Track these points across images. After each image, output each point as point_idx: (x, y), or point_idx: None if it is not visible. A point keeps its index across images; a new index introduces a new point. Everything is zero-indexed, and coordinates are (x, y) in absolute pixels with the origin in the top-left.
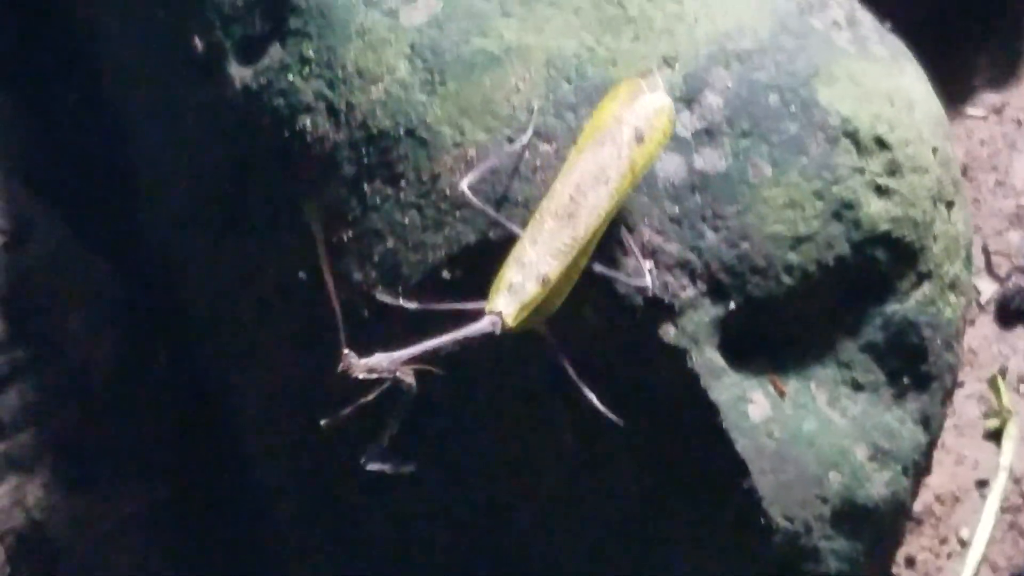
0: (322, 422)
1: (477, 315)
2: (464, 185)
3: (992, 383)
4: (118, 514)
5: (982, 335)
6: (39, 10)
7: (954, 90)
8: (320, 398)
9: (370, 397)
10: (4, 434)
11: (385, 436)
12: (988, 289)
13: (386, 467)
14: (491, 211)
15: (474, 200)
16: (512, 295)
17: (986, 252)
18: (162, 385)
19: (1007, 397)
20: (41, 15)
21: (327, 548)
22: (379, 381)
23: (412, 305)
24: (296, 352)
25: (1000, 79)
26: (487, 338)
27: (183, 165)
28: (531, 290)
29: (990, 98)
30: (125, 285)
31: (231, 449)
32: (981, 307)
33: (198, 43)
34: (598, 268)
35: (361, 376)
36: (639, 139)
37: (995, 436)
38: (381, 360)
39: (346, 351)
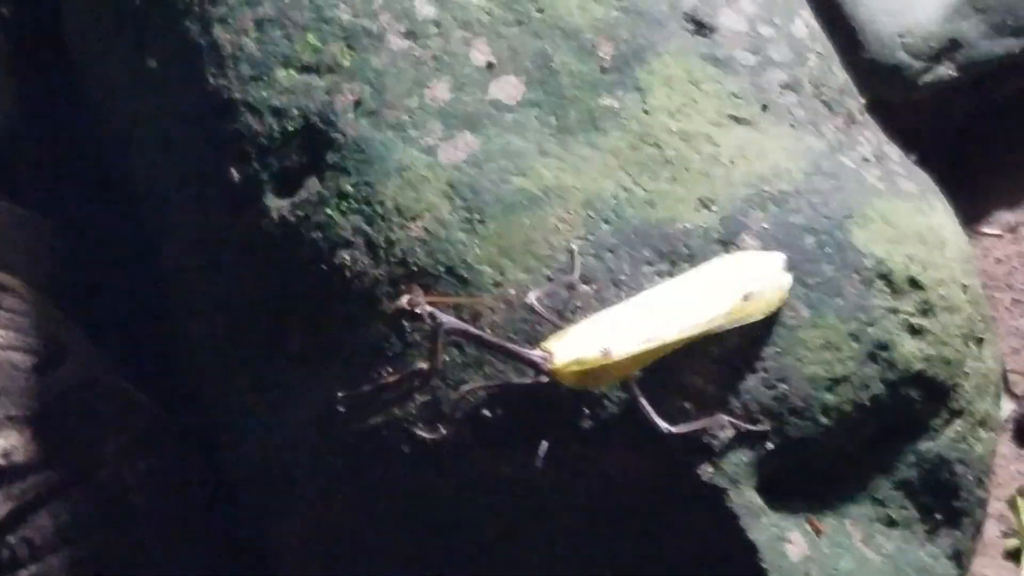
0: (340, 394)
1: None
2: (532, 297)
3: (1011, 503)
4: None
5: (1000, 454)
6: (76, 134)
7: (970, 209)
8: (363, 529)
9: (391, 379)
10: (35, 556)
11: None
12: (1006, 408)
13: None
14: (556, 320)
15: (542, 309)
16: (570, 345)
17: (1004, 371)
18: (198, 509)
19: None
20: (78, 137)
21: None
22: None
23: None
24: (338, 484)
25: (1015, 198)
26: (535, 381)
27: (220, 295)
28: (590, 352)
29: (1005, 217)
30: (156, 409)
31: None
32: (999, 426)
33: (234, 174)
34: (641, 399)
35: (417, 311)
36: (746, 298)
37: (1015, 556)
38: (439, 315)
39: (419, 286)
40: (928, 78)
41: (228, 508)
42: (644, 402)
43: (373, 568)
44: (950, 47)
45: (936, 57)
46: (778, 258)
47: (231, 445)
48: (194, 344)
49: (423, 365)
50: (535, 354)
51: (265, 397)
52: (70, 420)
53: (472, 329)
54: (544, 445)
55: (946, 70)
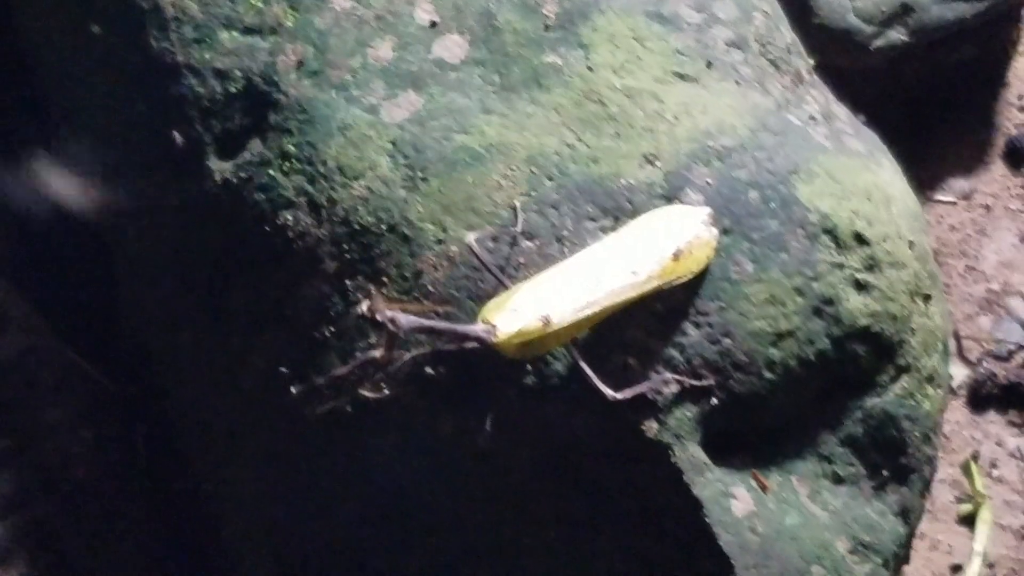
0: (293, 389)
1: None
2: (471, 238)
3: (965, 468)
4: None
5: (954, 420)
6: (20, 102)
7: (924, 176)
8: (305, 491)
9: (343, 371)
10: None
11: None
12: (960, 374)
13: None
14: (495, 269)
15: (480, 251)
16: (511, 316)
17: (957, 337)
18: (142, 476)
19: (980, 482)
20: (22, 105)
21: None
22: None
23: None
24: (282, 446)
25: (969, 166)
26: (480, 347)
27: (163, 260)
28: (532, 321)
29: (959, 184)
30: (100, 378)
31: (212, 540)
32: (953, 392)
33: (177, 137)
34: (583, 365)
35: (378, 318)
36: (676, 257)
37: (968, 521)
38: (399, 318)
39: (378, 292)
40: (879, 43)
41: (173, 476)
42: (586, 368)
43: (317, 530)
44: (901, 12)
45: (887, 22)
46: (703, 212)
47: (176, 412)
48: (138, 310)
49: (377, 354)
50: (479, 329)
51: (209, 361)
52: (12, 389)
53: (427, 323)
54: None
55: (897, 35)
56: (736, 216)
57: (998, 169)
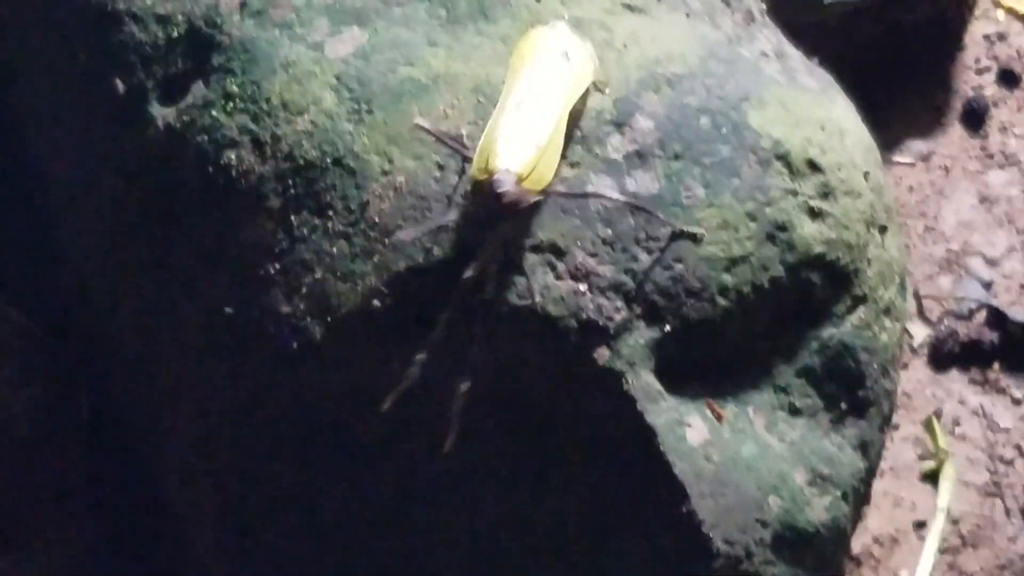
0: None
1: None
2: (419, 119)
3: (927, 425)
4: (39, 568)
5: (916, 379)
6: None
7: (882, 138)
8: (248, 435)
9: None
10: None
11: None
12: (920, 333)
13: None
14: (450, 140)
15: (429, 127)
16: (507, 154)
17: (917, 297)
18: (85, 433)
19: (942, 439)
20: None
21: None
22: None
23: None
24: (223, 391)
25: (927, 127)
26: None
27: (105, 209)
28: (527, 148)
29: (917, 146)
30: (43, 334)
31: (155, 493)
32: (914, 351)
33: (119, 85)
34: (534, 286)
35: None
36: (567, 57)
37: (931, 478)
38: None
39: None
40: (833, 0)
41: (116, 431)
42: (536, 290)
43: (257, 479)
44: None
45: None
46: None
47: (118, 366)
48: (80, 266)
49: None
50: (497, 179)
51: (151, 311)
52: None
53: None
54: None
55: None
56: (687, 141)
57: (956, 131)
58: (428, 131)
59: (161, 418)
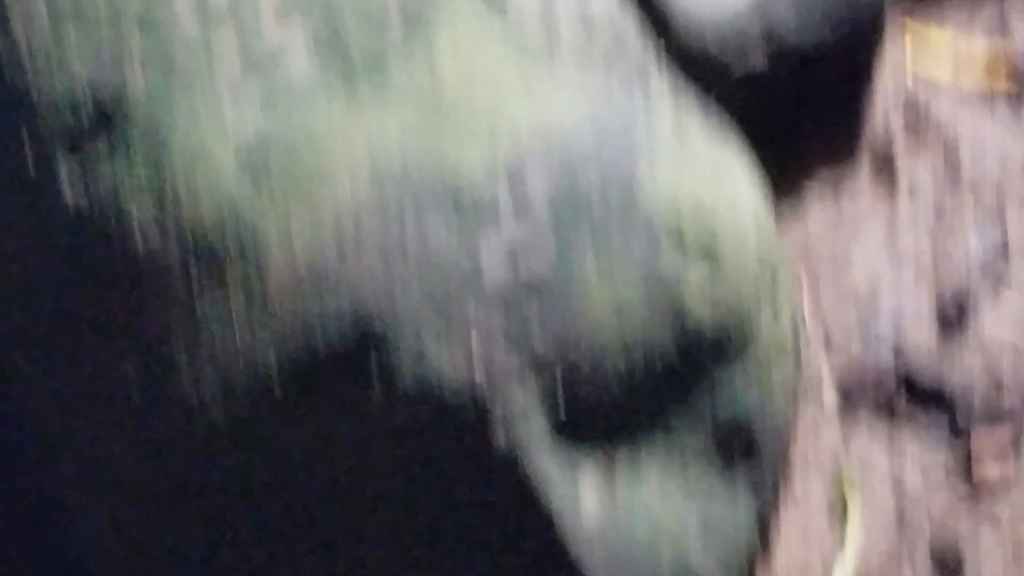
0: None
1: None
2: None
3: (834, 460)
4: None
5: (823, 415)
6: None
7: (789, 179)
8: (160, 516)
9: None
10: None
11: None
12: (827, 369)
13: None
14: None
15: None
16: None
17: (827, 336)
18: None
19: (850, 473)
20: None
21: None
22: None
23: None
24: (133, 469)
25: (835, 169)
26: None
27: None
28: None
29: (825, 187)
30: None
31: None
32: (821, 386)
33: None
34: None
35: None
36: None
37: (840, 511)
38: None
39: None
40: (739, 70)
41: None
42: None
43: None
44: (761, 38)
45: (746, 48)
46: None
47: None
48: None
49: None
50: None
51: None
52: None
53: None
54: None
55: (757, 61)
56: (578, 220)
57: (864, 172)
58: None
59: (69, 499)
